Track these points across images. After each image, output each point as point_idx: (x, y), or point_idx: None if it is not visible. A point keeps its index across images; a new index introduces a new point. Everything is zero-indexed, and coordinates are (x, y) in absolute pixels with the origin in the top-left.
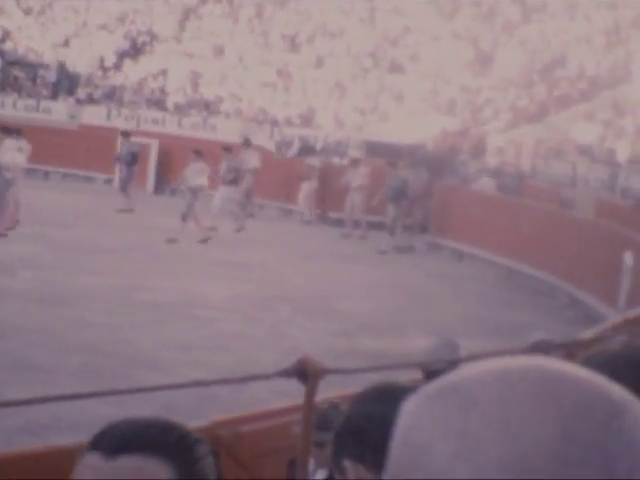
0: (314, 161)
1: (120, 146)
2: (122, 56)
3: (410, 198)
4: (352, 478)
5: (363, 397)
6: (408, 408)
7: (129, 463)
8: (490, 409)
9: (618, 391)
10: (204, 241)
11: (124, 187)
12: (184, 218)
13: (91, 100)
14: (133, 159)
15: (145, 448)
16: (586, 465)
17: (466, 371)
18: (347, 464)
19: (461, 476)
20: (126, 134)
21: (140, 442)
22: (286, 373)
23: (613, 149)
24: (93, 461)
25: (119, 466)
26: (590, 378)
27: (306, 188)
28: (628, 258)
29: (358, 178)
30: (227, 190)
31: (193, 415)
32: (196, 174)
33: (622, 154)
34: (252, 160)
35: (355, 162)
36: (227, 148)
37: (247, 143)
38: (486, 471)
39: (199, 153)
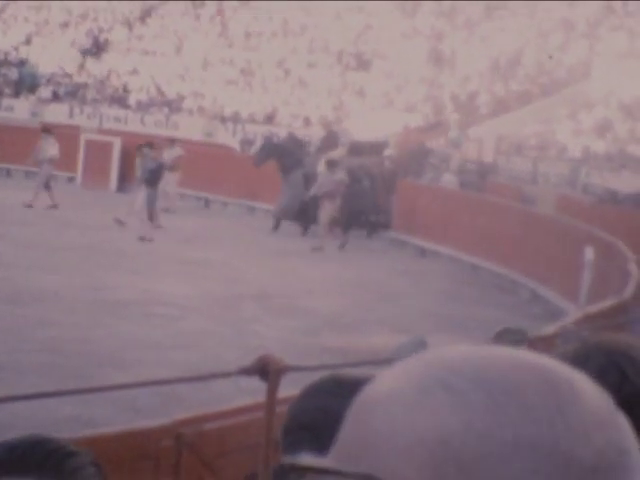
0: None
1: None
2: (84, 54)
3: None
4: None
5: (316, 390)
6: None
7: None
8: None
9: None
10: (144, 239)
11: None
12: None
13: (53, 98)
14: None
15: (10, 471)
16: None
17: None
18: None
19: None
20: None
21: (4, 466)
22: (247, 371)
23: (574, 145)
24: None
25: None
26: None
27: None
28: (589, 253)
29: (171, 158)
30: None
31: (157, 413)
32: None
33: (582, 150)
34: (51, 149)
35: (171, 142)
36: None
37: (46, 130)
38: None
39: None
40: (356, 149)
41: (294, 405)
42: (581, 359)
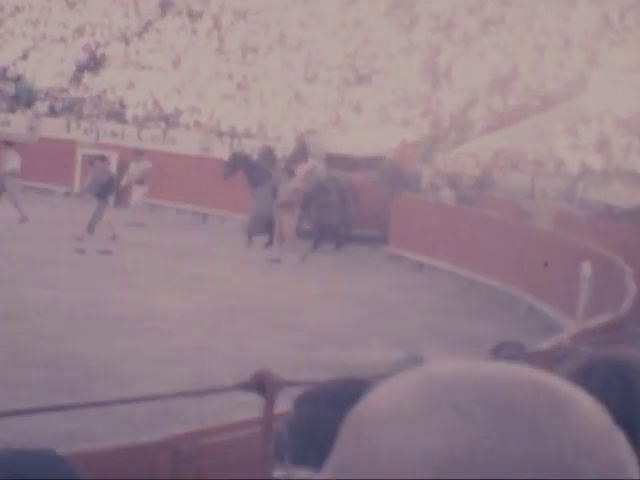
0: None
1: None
2: (81, 69)
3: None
4: None
5: (316, 398)
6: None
7: None
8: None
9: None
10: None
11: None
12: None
13: (50, 113)
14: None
15: None
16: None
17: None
18: (300, 469)
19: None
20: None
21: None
22: (245, 386)
23: (571, 160)
24: None
25: None
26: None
27: None
28: (586, 268)
29: (139, 171)
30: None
31: (154, 429)
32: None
33: (580, 165)
34: (11, 162)
35: (138, 154)
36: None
37: (8, 143)
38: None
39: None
40: (332, 162)
41: (297, 410)
42: (586, 371)
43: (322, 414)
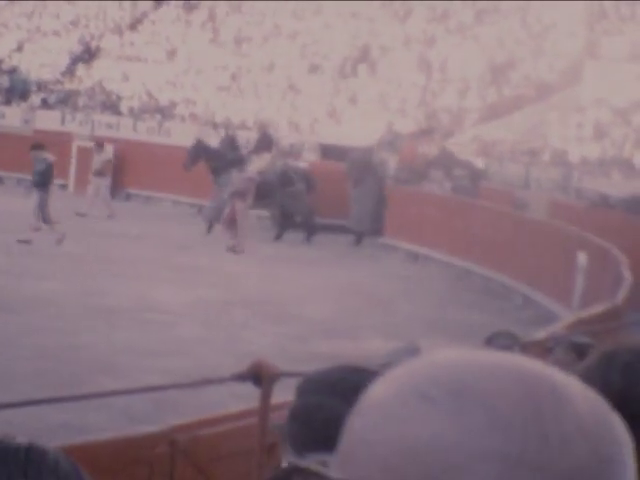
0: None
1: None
2: (76, 61)
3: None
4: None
5: (318, 386)
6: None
7: None
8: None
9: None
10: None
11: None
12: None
13: (45, 105)
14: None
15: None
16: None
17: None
18: (308, 456)
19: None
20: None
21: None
22: (240, 377)
23: (566, 150)
24: None
25: None
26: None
27: None
28: (582, 258)
29: (99, 162)
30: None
31: (151, 420)
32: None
33: (574, 155)
34: None
35: (100, 145)
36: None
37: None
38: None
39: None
40: (327, 153)
41: (299, 397)
42: (608, 357)
43: (323, 401)
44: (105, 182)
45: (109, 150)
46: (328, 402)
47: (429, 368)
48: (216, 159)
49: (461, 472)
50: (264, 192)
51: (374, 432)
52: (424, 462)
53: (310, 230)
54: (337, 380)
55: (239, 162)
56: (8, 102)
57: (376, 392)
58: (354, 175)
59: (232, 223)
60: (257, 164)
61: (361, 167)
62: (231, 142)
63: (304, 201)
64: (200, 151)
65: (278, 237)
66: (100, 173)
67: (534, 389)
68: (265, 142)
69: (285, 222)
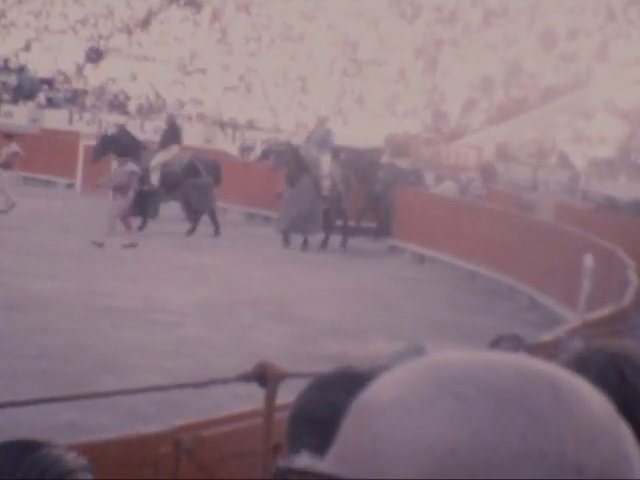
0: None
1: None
2: (84, 60)
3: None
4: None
5: (326, 383)
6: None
7: None
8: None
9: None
10: None
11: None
12: None
13: (53, 104)
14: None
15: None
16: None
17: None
18: (305, 454)
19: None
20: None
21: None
22: (245, 377)
23: (573, 153)
24: None
25: None
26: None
27: None
28: (588, 261)
29: (5, 155)
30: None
31: (155, 420)
32: None
33: (581, 157)
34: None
35: (9, 137)
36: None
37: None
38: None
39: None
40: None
41: (302, 396)
42: (582, 361)
43: (325, 400)
44: (10, 175)
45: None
46: (330, 401)
47: (450, 368)
48: (124, 153)
49: (502, 471)
50: (170, 184)
51: (402, 431)
52: (464, 462)
53: (215, 223)
54: (340, 379)
55: (137, 153)
56: (16, 101)
57: (391, 390)
58: (287, 173)
59: (124, 218)
60: (162, 156)
61: (294, 166)
62: (126, 133)
63: (209, 193)
64: (107, 144)
65: (190, 232)
66: (5, 165)
67: (560, 390)
68: (172, 134)
69: (190, 214)
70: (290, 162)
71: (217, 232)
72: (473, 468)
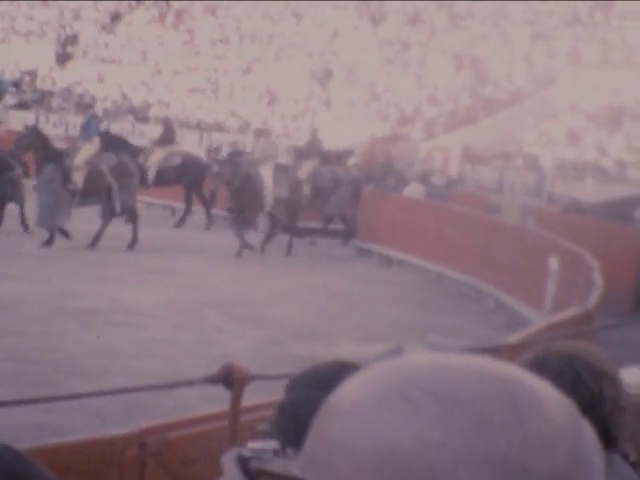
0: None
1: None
2: (50, 62)
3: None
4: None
5: (307, 381)
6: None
7: None
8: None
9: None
10: None
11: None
12: None
13: (19, 106)
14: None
15: None
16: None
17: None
18: (290, 452)
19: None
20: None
21: None
22: (212, 379)
23: (539, 155)
24: None
25: None
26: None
27: None
28: (554, 263)
29: None
30: None
31: (122, 422)
32: None
33: (547, 160)
34: None
35: None
36: None
37: None
38: None
39: None
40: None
41: (293, 392)
42: (539, 363)
43: (311, 396)
44: None
45: None
46: (316, 397)
47: (409, 370)
48: (41, 150)
49: (446, 473)
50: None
51: (352, 433)
52: (407, 463)
53: (23, 223)
54: (326, 375)
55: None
56: None
57: (350, 393)
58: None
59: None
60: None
61: (41, 153)
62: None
63: (20, 188)
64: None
65: (25, 230)
66: None
67: (513, 392)
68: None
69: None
70: (34, 148)
71: (25, 229)
72: (416, 470)
